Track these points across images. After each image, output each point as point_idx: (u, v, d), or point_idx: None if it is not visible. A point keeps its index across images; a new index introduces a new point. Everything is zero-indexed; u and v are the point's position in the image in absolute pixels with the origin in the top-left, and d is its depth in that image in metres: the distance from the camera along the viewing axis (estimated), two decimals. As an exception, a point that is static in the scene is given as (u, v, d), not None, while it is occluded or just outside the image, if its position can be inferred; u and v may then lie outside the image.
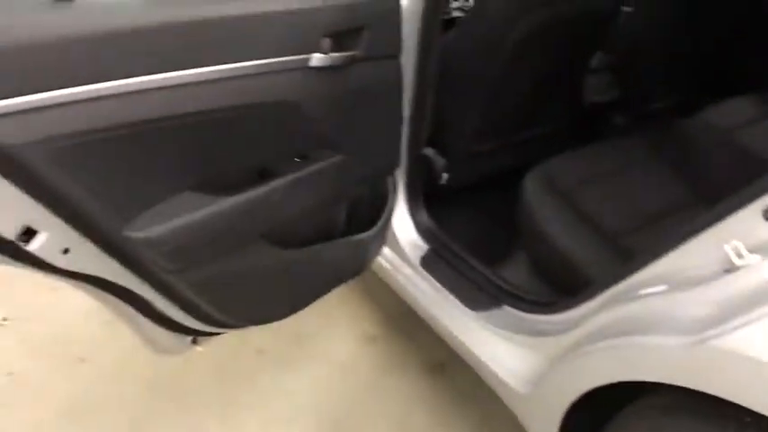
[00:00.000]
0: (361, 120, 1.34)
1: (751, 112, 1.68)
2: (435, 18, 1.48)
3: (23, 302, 2.30)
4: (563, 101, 2.04)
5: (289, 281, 1.37)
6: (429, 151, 1.88)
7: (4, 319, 2.25)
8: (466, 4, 2.25)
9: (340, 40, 1.19)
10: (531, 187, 1.65)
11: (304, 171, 1.22)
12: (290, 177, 1.18)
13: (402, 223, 1.77)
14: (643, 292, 1.11)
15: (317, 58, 1.15)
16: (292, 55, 1.11)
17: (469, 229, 1.96)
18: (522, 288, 1.56)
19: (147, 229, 0.97)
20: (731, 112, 1.69)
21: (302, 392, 1.98)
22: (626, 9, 1.94)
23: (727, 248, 0.92)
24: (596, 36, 1.84)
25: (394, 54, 1.34)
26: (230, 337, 1.48)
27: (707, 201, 1.45)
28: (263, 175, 1.19)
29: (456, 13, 2.24)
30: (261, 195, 1.14)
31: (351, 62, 1.22)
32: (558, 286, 1.60)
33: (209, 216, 1.05)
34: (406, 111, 1.58)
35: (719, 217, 0.94)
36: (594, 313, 1.24)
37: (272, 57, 1.08)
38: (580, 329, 1.28)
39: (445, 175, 1.92)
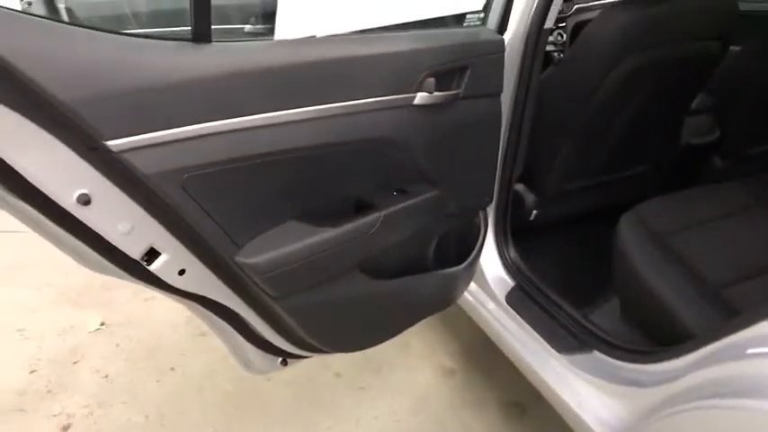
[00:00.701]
0: (460, 156, 1.36)
1: None
2: (535, 57, 1.48)
3: (120, 310, 2.46)
4: (660, 142, 1.98)
5: (378, 311, 1.40)
6: (520, 187, 1.87)
7: (102, 324, 2.41)
8: (559, 39, 2.24)
9: (444, 79, 1.22)
10: (627, 230, 1.60)
11: (401, 205, 1.25)
12: (388, 211, 1.21)
13: (489, 258, 1.77)
14: (753, 351, 1.05)
15: (421, 97, 1.19)
16: (398, 94, 1.15)
17: (558, 268, 1.92)
18: (613, 334, 1.51)
19: (256, 256, 1.02)
20: None
21: (377, 421, 1.99)
22: (733, 49, 1.87)
23: None
24: (702, 77, 1.78)
25: (495, 93, 1.36)
26: (311, 359, 1.52)
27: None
28: (362, 207, 1.23)
29: (548, 47, 2.23)
30: (360, 227, 1.17)
31: (453, 100, 1.25)
32: (652, 335, 1.54)
33: (311, 246, 1.10)
34: (501, 147, 1.58)
35: None
36: (694, 368, 1.18)
37: (379, 95, 1.13)
38: (677, 383, 1.22)
39: (535, 212, 1.91)
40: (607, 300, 1.77)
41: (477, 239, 1.61)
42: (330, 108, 1.06)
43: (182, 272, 1.00)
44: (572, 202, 1.97)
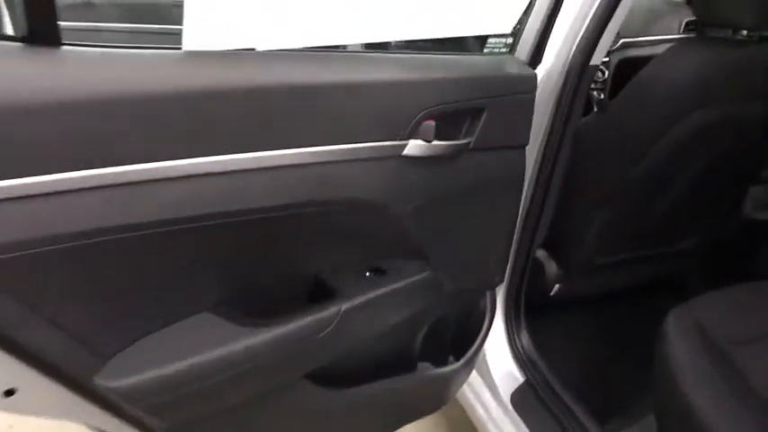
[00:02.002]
0: (465, 225, 1.02)
1: None
2: (575, 100, 1.13)
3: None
4: (718, 213, 1.62)
5: (343, 424, 1.04)
6: (541, 254, 1.51)
7: (10, 427, 2.07)
8: (599, 76, 1.89)
9: (449, 123, 0.88)
10: (676, 334, 1.23)
11: (374, 293, 0.90)
12: (354, 302, 0.86)
13: (495, 344, 1.41)
14: None
15: (414, 146, 0.85)
16: (381, 140, 0.81)
17: (580, 361, 1.55)
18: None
19: (132, 376, 0.67)
20: None
21: None
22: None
23: None
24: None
25: (520, 144, 1.01)
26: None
27: None
28: (319, 293, 0.88)
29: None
30: (308, 326, 0.83)
31: (460, 153, 0.91)
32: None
33: (226, 357, 0.75)
34: (522, 208, 1.24)
35: None
36: None
37: (353, 141, 0.79)
38: None
39: (557, 287, 1.55)
40: (641, 415, 1.40)
41: (481, 326, 1.25)
42: (273, 156, 0.72)
43: (9, 392, 0.65)
44: (603, 277, 1.62)
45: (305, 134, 0.75)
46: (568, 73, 1.09)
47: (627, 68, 1.58)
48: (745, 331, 1.22)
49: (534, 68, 1.03)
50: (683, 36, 2.38)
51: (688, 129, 1.18)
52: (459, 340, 1.28)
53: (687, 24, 2.35)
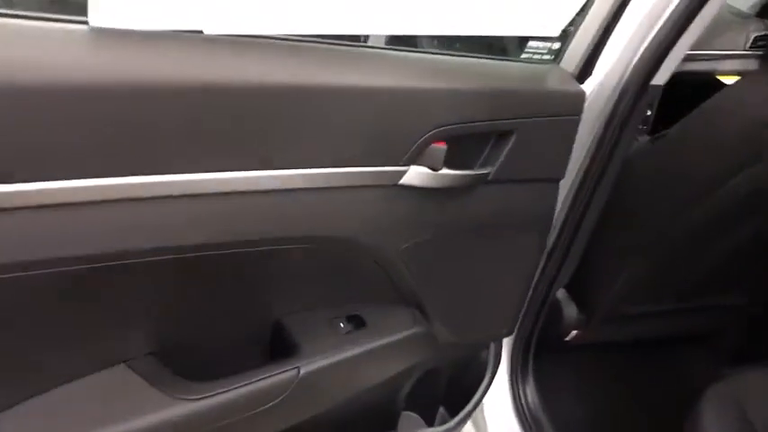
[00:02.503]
0: (472, 270, 0.83)
1: None
2: (628, 125, 0.92)
3: None
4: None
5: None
6: (561, 295, 1.30)
7: None
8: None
9: (464, 147, 0.68)
10: (712, 417, 1.03)
11: (349, 352, 0.71)
12: (322, 362, 0.68)
13: (496, 398, 1.21)
14: None
15: (416, 174, 0.65)
16: (372, 165, 0.62)
17: (591, 422, 1.35)
18: None
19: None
20: None
21: None
22: None
23: None
24: None
25: (552, 178, 0.81)
26: None
27: None
28: (279, 349, 0.69)
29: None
30: (261, 391, 0.64)
31: (474, 185, 0.71)
32: None
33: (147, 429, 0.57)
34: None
35: None
36: None
37: (337, 164, 0.60)
38: None
39: (574, 333, 1.34)
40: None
41: (481, 377, 1.06)
42: (221, 180, 0.53)
43: None
44: (629, 326, 1.41)
45: (270, 152, 0.56)
46: (623, 92, 0.87)
47: (681, 85, 1.35)
48: None
49: (582, 83, 0.82)
50: (749, 52, 2.13)
51: (748, 181, 0.97)
52: (454, 391, 1.09)
53: (756, 40, 2.09)
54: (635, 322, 1.39)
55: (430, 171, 0.66)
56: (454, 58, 0.70)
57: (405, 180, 0.65)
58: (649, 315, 1.38)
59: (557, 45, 0.78)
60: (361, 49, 0.64)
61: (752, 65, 2.10)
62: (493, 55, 0.74)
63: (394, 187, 0.65)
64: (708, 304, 1.42)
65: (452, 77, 0.66)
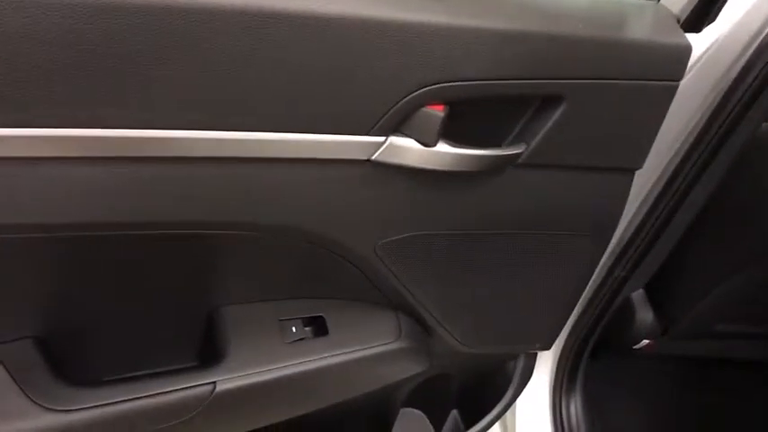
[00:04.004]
0: (494, 272, 0.62)
1: None
2: (757, 103, 0.64)
3: None
4: None
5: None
6: (637, 296, 1.07)
7: None
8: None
9: (483, 112, 0.47)
10: None
11: (297, 365, 0.54)
12: (255, 379, 0.52)
13: (532, 410, 1.02)
14: None
15: (395, 149, 0.45)
16: (333, 132, 0.42)
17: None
18: None
19: None
20: None
21: None
22: None
23: None
24: None
25: (626, 167, 0.57)
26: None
27: None
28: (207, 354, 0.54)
29: None
30: (161, 406, 0.50)
31: (495, 168, 0.49)
32: None
33: None
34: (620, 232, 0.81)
35: None
36: None
37: (289, 128, 0.41)
38: None
39: (645, 342, 1.11)
40: None
41: (506, 385, 0.88)
42: (119, 138, 0.37)
43: None
44: (713, 345, 1.17)
45: (187, 104, 0.39)
46: (761, 51, 0.59)
47: None
48: None
49: (695, 31, 0.55)
50: None
51: None
52: (471, 396, 0.92)
53: None
54: (723, 341, 1.14)
55: (419, 146, 0.45)
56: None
57: (379, 156, 0.45)
58: (743, 336, 1.11)
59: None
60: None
61: None
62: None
63: (365, 164, 0.45)
64: None
65: (472, 7, 0.43)
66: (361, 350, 0.57)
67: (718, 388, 1.22)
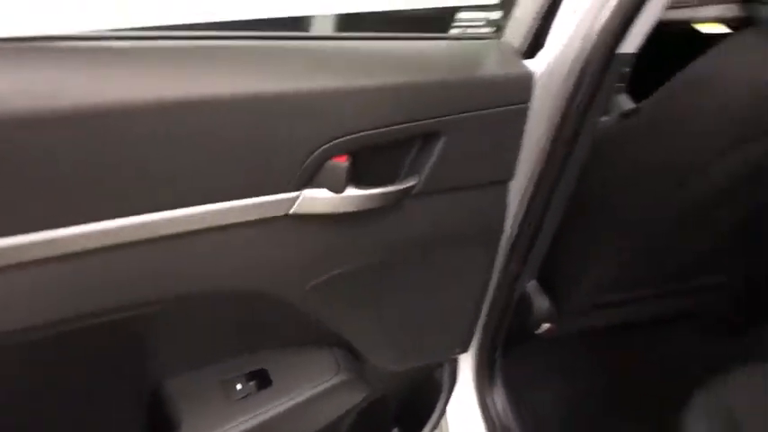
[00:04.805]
0: (407, 294, 0.69)
1: None
2: (594, 104, 0.77)
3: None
4: (753, 247, 1.29)
5: None
6: (531, 288, 1.18)
7: None
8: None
9: (378, 156, 0.53)
10: (702, 424, 0.93)
11: (250, 418, 0.56)
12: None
13: (462, 408, 1.10)
14: None
15: (310, 201, 0.50)
16: (252, 195, 0.47)
17: (570, 422, 1.26)
18: None
19: None
20: None
21: None
22: None
23: None
24: None
25: (499, 179, 0.66)
26: None
27: None
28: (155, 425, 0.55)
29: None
30: None
31: (396, 201, 0.56)
32: None
33: None
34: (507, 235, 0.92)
35: None
36: None
37: (208, 200, 0.45)
38: None
39: (545, 326, 1.23)
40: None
41: (437, 394, 0.95)
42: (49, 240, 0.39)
43: None
44: (605, 315, 1.30)
45: (105, 196, 0.41)
46: (587, 66, 0.71)
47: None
48: None
49: (531, 57, 0.66)
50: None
51: (763, 149, 0.82)
52: (409, 411, 0.97)
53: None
54: (613, 310, 1.28)
55: (330, 194, 0.50)
56: (355, 42, 0.53)
57: (296, 209, 0.50)
58: (629, 301, 1.26)
59: (496, 14, 0.62)
60: (221, 42, 0.48)
61: (732, 11, 1.94)
62: (413, 32, 0.58)
63: (285, 218, 0.50)
64: (691, 286, 1.31)
65: (352, 70, 0.50)
66: (305, 392, 0.60)
67: (622, 351, 1.36)
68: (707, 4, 1.80)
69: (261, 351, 0.61)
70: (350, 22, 0.54)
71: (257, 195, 0.48)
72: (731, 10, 1.92)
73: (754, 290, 1.42)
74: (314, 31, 0.52)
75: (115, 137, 0.41)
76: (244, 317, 0.56)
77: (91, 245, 0.43)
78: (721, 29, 1.89)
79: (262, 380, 0.59)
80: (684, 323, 1.44)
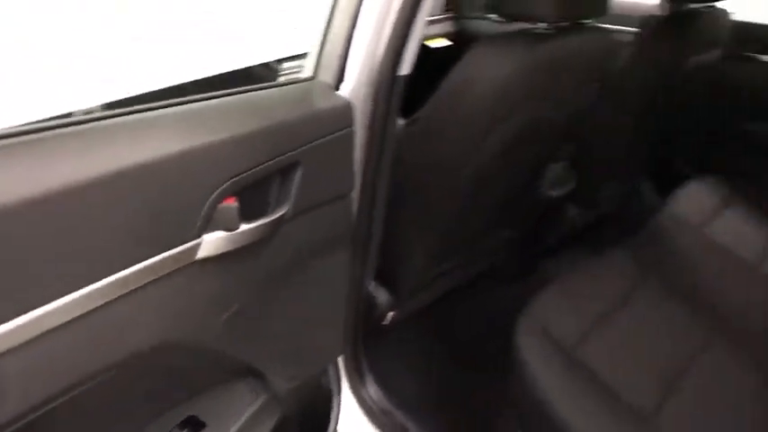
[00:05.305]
0: (295, 308, 0.78)
1: (710, 201, 1.57)
2: (389, 119, 0.94)
3: None
4: (530, 200, 1.62)
5: None
6: (371, 287, 1.33)
7: None
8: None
9: (254, 194, 0.62)
10: (527, 346, 1.15)
11: None
12: None
13: (346, 408, 1.19)
14: None
15: (212, 243, 0.56)
16: (159, 252, 0.52)
17: (433, 386, 1.43)
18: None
19: None
20: (695, 206, 1.55)
21: None
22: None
23: None
24: (577, 125, 1.43)
25: (345, 192, 0.79)
26: None
27: (715, 323, 1.22)
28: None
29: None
30: None
31: (277, 228, 0.65)
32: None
33: None
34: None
35: None
36: None
37: (113, 269, 0.48)
38: None
39: (390, 314, 1.39)
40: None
41: (332, 405, 1.03)
42: None
43: None
44: (433, 289, 1.51)
45: (18, 289, 0.43)
46: (377, 91, 0.88)
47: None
48: (577, 326, 1.20)
49: (338, 90, 0.80)
50: (443, 16, 2.37)
51: (511, 132, 1.08)
52: (309, 422, 1.04)
53: (445, 3, 2.34)
54: (437, 282, 1.49)
55: (227, 233, 0.58)
56: (209, 102, 0.61)
57: (201, 253, 0.56)
58: (448, 272, 1.48)
59: (311, 60, 0.75)
60: (101, 123, 0.52)
61: (450, 26, 2.36)
62: (249, 85, 0.67)
63: (193, 265, 0.56)
64: (490, 245, 1.59)
65: (214, 126, 0.58)
66: (238, 422, 0.66)
67: (453, 315, 1.57)
68: (431, 23, 2.11)
69: (190, 399, 0.64)
70: (208, 84, 0.62)
71: (167, 250, 0.53)
72: (450, 26, 2.33)
73: (531, 238, 1.77)
74: (179, 98, 0.59)
75: (21, 230, 0.43)
76: (169, 370, 0.59)
77: (14, 341, 0.44)
78: (445, 42, 2.29)
79: (195, 426, 0.63)
80: (491, 275, 1.74)
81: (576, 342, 1.20)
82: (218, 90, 0.62)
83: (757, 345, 1.26)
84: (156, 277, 0.52)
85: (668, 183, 1.68)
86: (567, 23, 1.02)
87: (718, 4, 1.65)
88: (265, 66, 0.70)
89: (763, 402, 1.12)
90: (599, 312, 1.28)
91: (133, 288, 0.51)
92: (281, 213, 0.65)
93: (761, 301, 1.38)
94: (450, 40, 2.33)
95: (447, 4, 2.27)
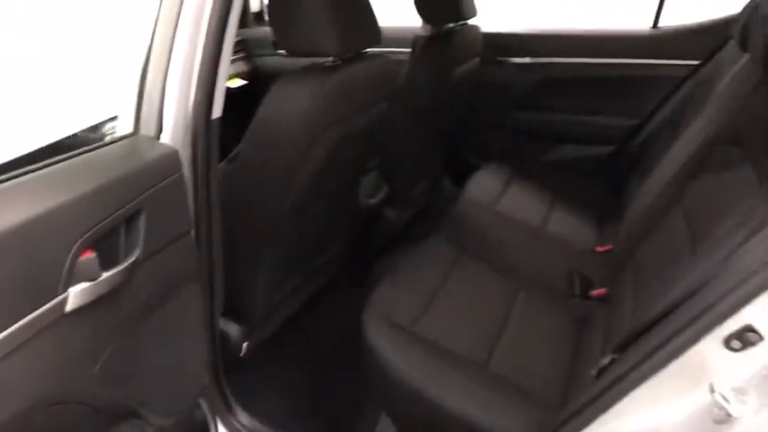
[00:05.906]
0: (157, 347, 0.82)
1: (495, 184, 1.87)
2: (210, 159, 1.02)
3: None
4: (349, 212, 1.78)
5: None
6: (221, 324, 1.37)
7: None
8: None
9: (108, 244, 0.67)
10: (376, 336, 1.29)
11: None
12: None
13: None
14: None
15: (78, 295, 0.61)
16: (44, 303, 0.56)
17: (301, 402, 1.51)
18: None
19: None
20: (485, 189, 1.84)
21: None
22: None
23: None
24: (377, 139, 1.62)
25: (185, 230, 0.86)
26: None
27: (517, 279, 1.46)
28: None
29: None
30: None
31: (133, 272, 0.71)
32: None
33: None
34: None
35: None
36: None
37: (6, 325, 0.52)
38: None
39: (245, 345, 1.44)
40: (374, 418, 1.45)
41: None
42: None
43: None
44: (281, 311, 1.58)
45: None
46: (194, 137, 0.96)
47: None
48: (415, 308, 1.37)
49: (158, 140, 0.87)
50: (238, 57, 2.47)
51: (319, 154, 1.21)
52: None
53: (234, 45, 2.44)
54: (283, 305, 1.57)
55: (90, 284, 0.63)
56: (48, 169, 0.65)
57: (69, 306, 0.61)
58: (291, 294, 1.56)
59: (129, 116, 0.81)
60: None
61: (244, 66, 2.47)
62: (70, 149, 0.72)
63: (62, 318, 0.60)
64: (328, 258, 1.71)
65: (59, 189, 0.63)
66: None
67: (302, 331, 1.66)
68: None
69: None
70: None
71: (38, 308, 0.57)
72: (243, 65, 2.44)
73: (361, 245, 1.93)
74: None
75: None
76: (54, 427, 0.61)
77: None
78: (241, 82, 2.39)
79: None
80: (332, 287, 1.85)
81: (414, 320, 1.36)
82: (51, 158, 0.66)
83: (550, 286, 1.54)
84: (32, 335, 0.56)
85: (463, 174, 1.98)
86: (351, 54, 1.19)
87: (470, 21, 2.00)
88: (93, 128, 0.75)
89: (563, 328, 1.39)
90: (428, 292, 1.46)
91: (8, 350, 0.54)
92: (133, 258, 0.71)
93: (548, 254, 1.68)
94: (245, 79, 2.43)
95: (236, 45, 2.38)
